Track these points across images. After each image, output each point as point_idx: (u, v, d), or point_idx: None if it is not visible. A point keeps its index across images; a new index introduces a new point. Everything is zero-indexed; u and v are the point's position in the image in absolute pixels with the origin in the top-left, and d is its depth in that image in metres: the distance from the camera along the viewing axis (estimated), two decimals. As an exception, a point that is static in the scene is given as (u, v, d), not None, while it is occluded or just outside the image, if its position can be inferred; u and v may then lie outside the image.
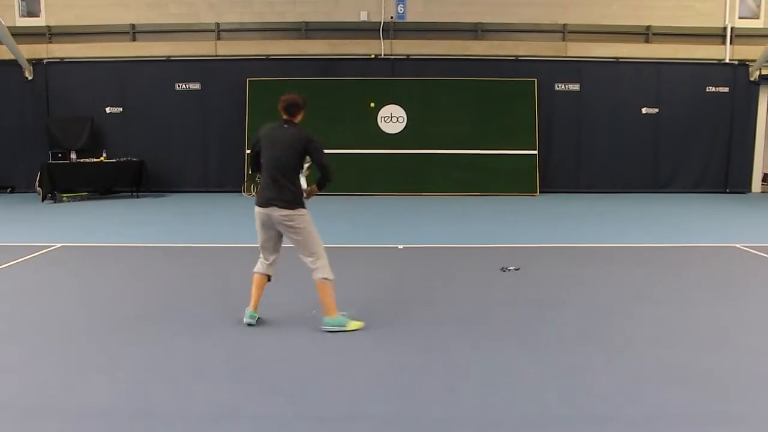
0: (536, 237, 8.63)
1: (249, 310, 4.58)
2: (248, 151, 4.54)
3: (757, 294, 5.66)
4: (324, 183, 4.50)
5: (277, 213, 4.36)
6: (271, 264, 4.62)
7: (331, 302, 4.47)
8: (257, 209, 4.46)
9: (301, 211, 4.42)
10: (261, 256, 4.62)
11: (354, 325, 4.52)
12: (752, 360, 3.96)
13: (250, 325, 4.55)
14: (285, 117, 4.55)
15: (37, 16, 14.35)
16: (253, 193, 13.51)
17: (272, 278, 4.66)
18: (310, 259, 4.47)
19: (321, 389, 3.48)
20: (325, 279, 4.45)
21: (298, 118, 4.58)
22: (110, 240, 8.23)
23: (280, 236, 4.56)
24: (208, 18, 14.30)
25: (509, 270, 6.36)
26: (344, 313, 4.57)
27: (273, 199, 4.37)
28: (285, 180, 4.38)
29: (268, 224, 4.46)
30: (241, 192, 13.68)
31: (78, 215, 10.74)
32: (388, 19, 14.18)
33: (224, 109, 14.07)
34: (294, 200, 4.39)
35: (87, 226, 9.64)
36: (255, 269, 4.63)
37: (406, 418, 3.15)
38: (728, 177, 14.64)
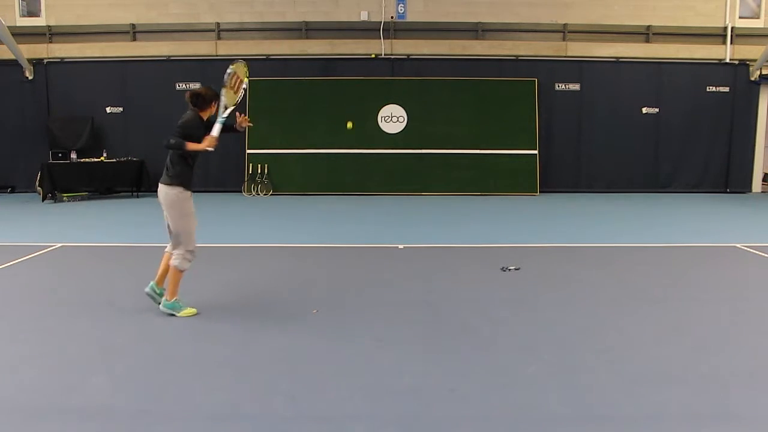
0: (536, 237, 8.63)
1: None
2: (180, 141, 4.73)
3: (757, 294, 5.66)
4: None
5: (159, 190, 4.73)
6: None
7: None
8: (191, 196, 4.73)
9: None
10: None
11: (187, 312, 4.78)
12: (752, 360, 3.96)
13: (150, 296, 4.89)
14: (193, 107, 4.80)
15: (38, 16, 14.36)
16: (254, 193, 13.52)
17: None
18: (174, 238, 4.76)
19: (321, 389, 3.48)
20: (176, 266, 4.72)
21: (206, 113, 4.81)
22: (110, 240, 8.23)
23: None
24: (208, 18, 14.31)
25: (509, 270, 6.36)
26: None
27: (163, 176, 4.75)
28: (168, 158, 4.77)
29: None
30: (241, 191, 13.68)
31: (78, 215, 10.74)
32: (389, 19, 14.18)
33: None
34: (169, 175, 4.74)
35: (87, 226, 9.65)
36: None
37: (406, 418, 3.15)
38: (728, 177, 14.65)
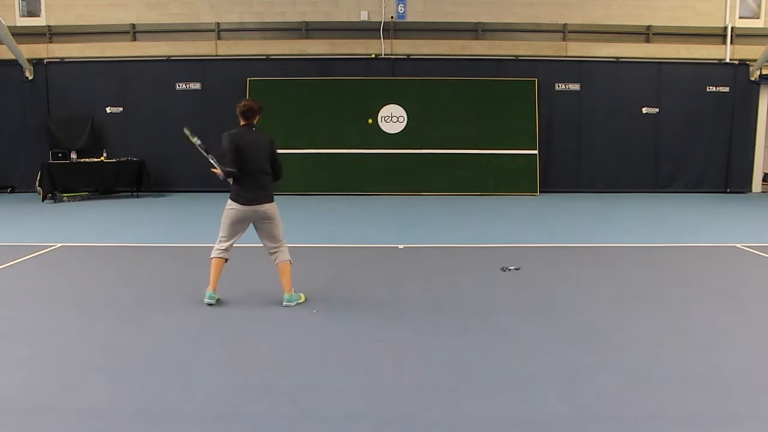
0: (536, 237, 8.63)
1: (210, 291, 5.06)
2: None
3: (757, 294, 5.66)
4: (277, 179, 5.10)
5: (264, 208, 4.93)
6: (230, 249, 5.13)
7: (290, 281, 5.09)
8: (239, 207, 4.89)
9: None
10: (224, 245, 5.05)
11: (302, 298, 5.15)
12: (752, 360, 3.96)
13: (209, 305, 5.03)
14: (246, 122, 4.96)
15: (38, 16, 14.34)
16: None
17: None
18: (279, 243, 5.08)
19: (321, 389, 3.48)
20: (289, 260, 5.09)
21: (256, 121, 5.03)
22: (110, 240, 8.23)
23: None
24: (208, 18, 14.30)
25: (509, 270, 6.36)
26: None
27: (265, 196, 4.95)
28: (268, 178, 5.01)
29: (248, 219, 4.98)
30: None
31: (78, 215, 10.74)
32: (389, 19, 14.17)
33: (224, 109, 14.04)
34: (272, 195, 5.04)
35: (87, 226, 9.65)
36: (218, 255, 5.05)
37: (406, 418, 3.15)
38: (728, 177, 14.64)
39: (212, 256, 5.05)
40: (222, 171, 4.89)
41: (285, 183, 13.76)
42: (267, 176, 4.97)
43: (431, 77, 14.14)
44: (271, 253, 5.09)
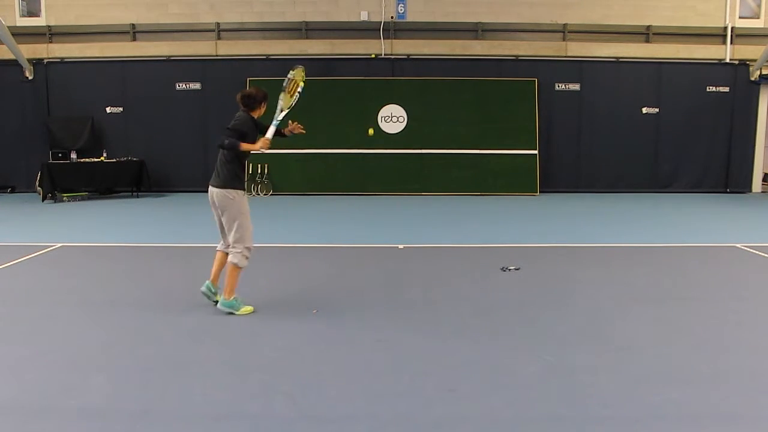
0: (536, 237, 8.63)
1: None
2: (234, 142, 4.81)
3: (757, 294, 5.66)
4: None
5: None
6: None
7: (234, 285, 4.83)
8: (245, 194, 4.87)
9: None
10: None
11: (245, 310, 4.84)
12: (752, 360, 3.96)
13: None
14: (246, 110, 4.87)
15: (38, 16, 14.35)
16: (254, 193, 13.52)
17: None
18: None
19: (321, 389, 3.48)
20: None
21: (256, 113, 4.91)
22: (110, 240, 8.23)
23: None
24: (208, 18, 14.30)
25: (509, 270, 6.36)
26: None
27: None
28: None
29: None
30: (241, 192, 13.67)
31: (78, 215, 10.74)
32: (389, 19, 14.18)
33: (224, 109, 13.98)
34: None
35: (87, 226, 9.65)
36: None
37: (406, 418, 3.15)
38: (729, 177, 14.65)
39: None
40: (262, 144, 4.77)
41: (285, 183, 13.94)
42: (220, 157, 4.92)
43: (431, 77, 14.15)
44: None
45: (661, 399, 3.35)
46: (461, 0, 14.31)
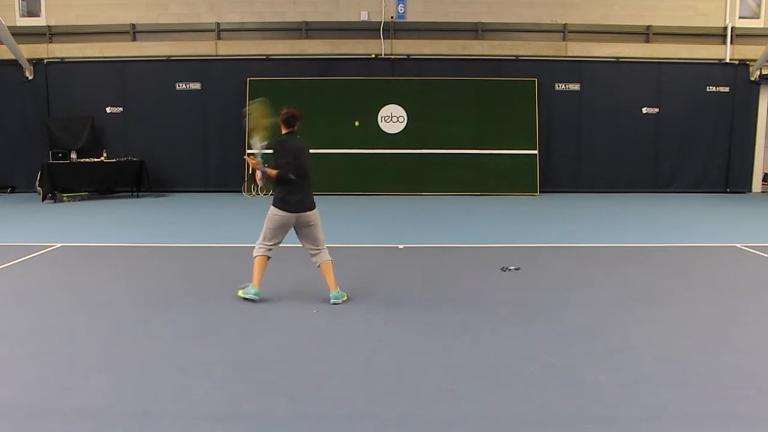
0: (536, 237, 8.63)
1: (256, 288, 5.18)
2: (278, 160, 4.89)
3: (757, 294, 5.66)
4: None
5: (307, 215, 5.08)
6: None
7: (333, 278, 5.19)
8: (283, 214, 5.00)
9: None
10: (268, 244, 5.16)
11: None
12: (752, 360, 3.96)
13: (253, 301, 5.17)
14: (289, 129, 5.06)
15: (38, 16, 14.35)
16: (254, 193, 13.51)
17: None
18: (320, 246, 5.22)
19: (321, 389, 3.48)
20: (331, 260, 5.21)
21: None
22: (110, 240, 8.23)
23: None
24: (208, 18, 14.30)
25: (509, 270, 6.36)
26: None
27: (310, 203, 5.13)
28: (309, 184, 5.15)
29: (291, 225, 5.10)
30: (241, 192, 13.68)
31: (78, 215, 10.74)
32: (389, 19, 14.18)
33: (224, 109, 14.06)
34: (314, 201, 5.21)
35: (87, 226, 9.64)
36: (263, 253, 5.16)
37: (406, 418, 3.15)
38: (729, 177, 14.64)
39: (256, 254, 5.14)
40: (277, 175, 4.93)
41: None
42: (309, 183, 5.10)
43: (431, 77, 14.15)
44: (312, 255, 5.22)
45: (661, 399, 3.35)
46: (461, 0, 14.31)
